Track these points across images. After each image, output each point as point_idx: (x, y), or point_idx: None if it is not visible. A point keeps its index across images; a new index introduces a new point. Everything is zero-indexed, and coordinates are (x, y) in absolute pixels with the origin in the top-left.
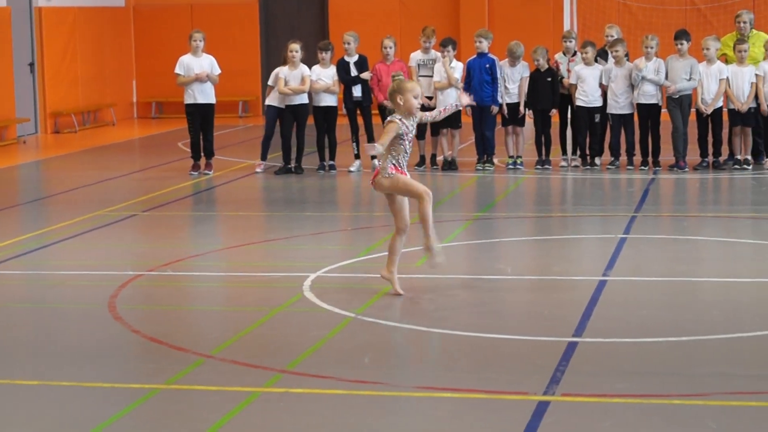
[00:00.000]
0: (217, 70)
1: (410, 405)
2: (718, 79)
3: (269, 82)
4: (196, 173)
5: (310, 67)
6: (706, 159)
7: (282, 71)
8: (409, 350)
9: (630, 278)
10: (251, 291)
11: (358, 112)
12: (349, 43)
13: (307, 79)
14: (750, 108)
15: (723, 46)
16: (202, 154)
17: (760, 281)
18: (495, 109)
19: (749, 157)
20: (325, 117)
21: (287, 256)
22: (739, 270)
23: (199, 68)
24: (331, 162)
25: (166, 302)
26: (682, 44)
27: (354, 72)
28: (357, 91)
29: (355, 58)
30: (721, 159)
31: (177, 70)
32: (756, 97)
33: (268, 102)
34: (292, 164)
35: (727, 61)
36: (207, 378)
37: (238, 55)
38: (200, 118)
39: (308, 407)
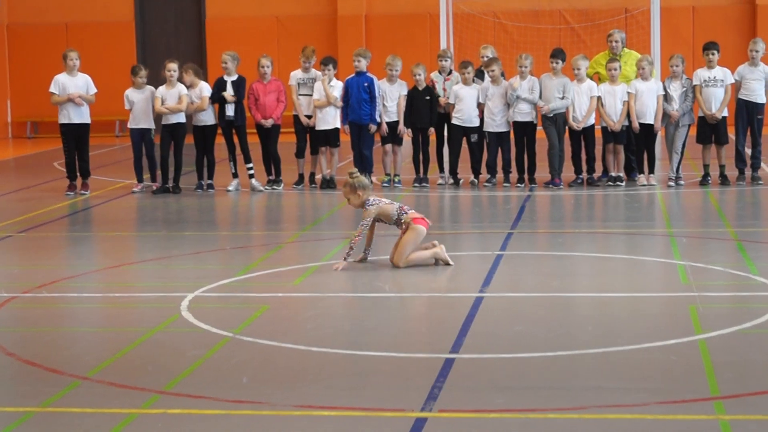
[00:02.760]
0: (93, 90)
1: (289, 424)
2: (589, 97)
3: (126, 107)
4: (72, 193)
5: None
6: (581, 176)
7: (159, 91)
8: (287, 369)
9: (506, 294)
10: (128, 312)
11: (234, 131)
12: (226, 63)
13: (184, 99)
14: (622, 126)
15: (595, 65)
16: (78, 174)
17: (633, 296)
18: (373, 127)
19: (622, 174)
20: (204, 136)
21: (165, 276)
22: (612, 285)
23: (74, 87)
24: (210, 181)
25: (41, 324)
26: (557, 63)
27: (231, 92)
28: (229, 110)
29: (234, 77)
30: (595, 176)
31: (51, 89)
32: (628, 114)
33: (129, 125)
34: (170, 184)
35: (600, 80)
36: (83, 400)
37: (114, 75)
38: (75, 137)
39: (186, 428)
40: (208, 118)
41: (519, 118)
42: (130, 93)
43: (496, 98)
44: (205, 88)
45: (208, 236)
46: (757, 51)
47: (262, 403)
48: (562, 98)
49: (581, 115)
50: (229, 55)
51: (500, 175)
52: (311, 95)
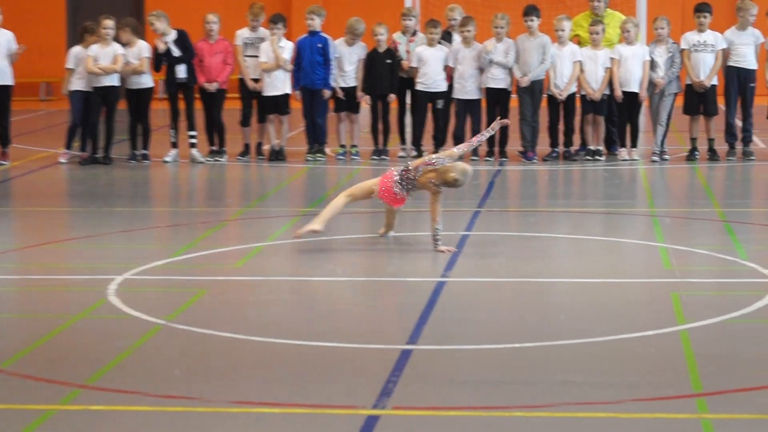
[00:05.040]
0: (15, 47)
1: (226, 422)
2: (571, 62)
3: (68, 65)
4: None
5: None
6: (557, 149)
7: (91, 49)
8: (225, 361)
9: (471, 279)
10: (48, 296)
11: (181, 95)
12: (153, 25)
13: (119, 59)
14: (603, 95)
15: (576, 27)
16: None
17: (611, 282)
18: (327, 93)
19: (602, 148)
20: (139, 100)
21: (91, 256)
22: (589, 269)
23: None
24: (145, 151)
25: None
26: (532, 20)
27: (175, 52)
28: (181, 71)
29: (173, 35)
30: (573, 149)
31: None
32: (610, 82)
33: (72, 87)
34: (100, 154)
35: (580, 44)
36: None
37: (40, 32)
38: None
39: (110, 426)
40: (145, 80)
41: (492, 85)
42: (79, 51)
43: (467, 62)
44: (144, 49)
45: (141, 213)
46: (746, 11)
47: (196, 399)
48: (542, 62)
49: (563, 83)
50: (154, 15)
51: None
52: (259, 57)
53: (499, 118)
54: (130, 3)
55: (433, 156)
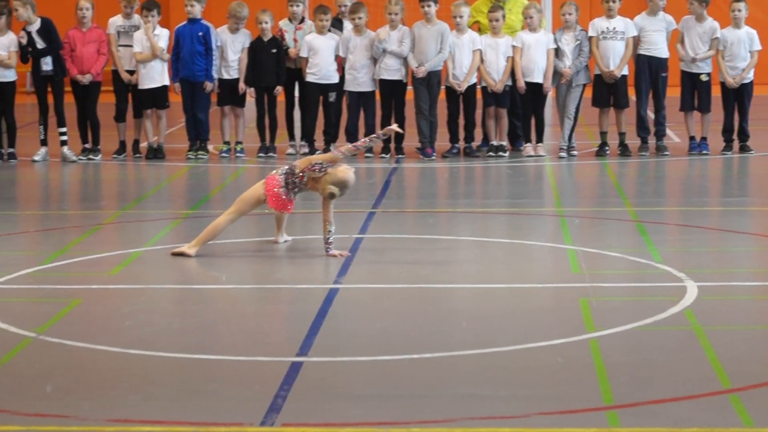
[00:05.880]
0: None
1: None
2: (471, 51)
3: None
4: None
5: None
6: (457, 145)
7: None
8: (101, 376)
9: (366, 286)
10: None
11: (49, 89)
12: (17, 10)
13: None
14: (506, 86)
15: (475, 13)
16: None
17: (515, 287)
18: (209, 85)
19: (505, 143)
20: (3, 94)
21: None
22: (492, 274)
23: None
24: (11, 150)
25: None
26: (429, 6)
27: (39, 43)
28: (47, 63)
29: (37, 24)
30: (474, 144)
31: None
32: (512, 73)
33: None
34: None
35: (480, 31)
36: None
37: None
38: None
39: None
40: (7, 73)
41: (386, 76)
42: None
43: (359, 51)
44: (14, 40)
45: (8, 216)
46: None
47: (70, 417)
48: (439, 52)
49: (462, 74)
50: (18, 1)
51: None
52: (133, 47)
53: (394, 122)
54: None
55: (315, 158)
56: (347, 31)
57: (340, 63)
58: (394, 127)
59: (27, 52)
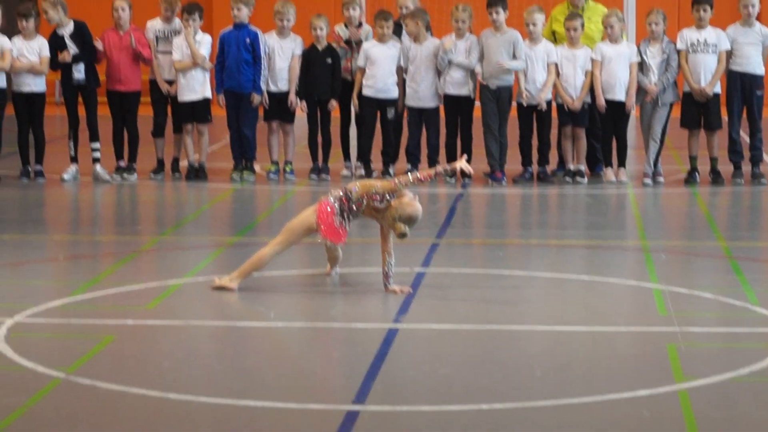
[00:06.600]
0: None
1: None
2: (545, 63)
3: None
4: None
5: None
6: (530, 169)
7: None
8: (135, 423)
9: (428, 326)
10: None
11: (80, 99)
12: (47, 13)
13: (7, 54)
14: (584, 104)
15: (551, 21)
16: None
17: (595, 330)
18: (257, 98)
19: (583, 167)
20: (30, 107)
21: None
22: (568, 315)
23: None
24: (38, 167)
25: None
26: (497, 13)
27: (72, 48)
28: (79, 71)
29: (69, 27)
30: (549, 169)
31: None
32: (591, 89)
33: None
34: None
35: (556, 41)
36: None
37: None
38: None
39: None
40: (37, 82)
41: (452, 91)
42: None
43: (420, 62)
44: (45, 45)
45: (34, 241)
46: (752, 6)
47: None
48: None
49: (536, 89)
50: (48, 1)
51: (425, 165)
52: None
53: (464, 157)
54: None
55: (373, 184)
56: (407, 40)
57: (400, 74)
58: (463, 163)
59: (58, 58)
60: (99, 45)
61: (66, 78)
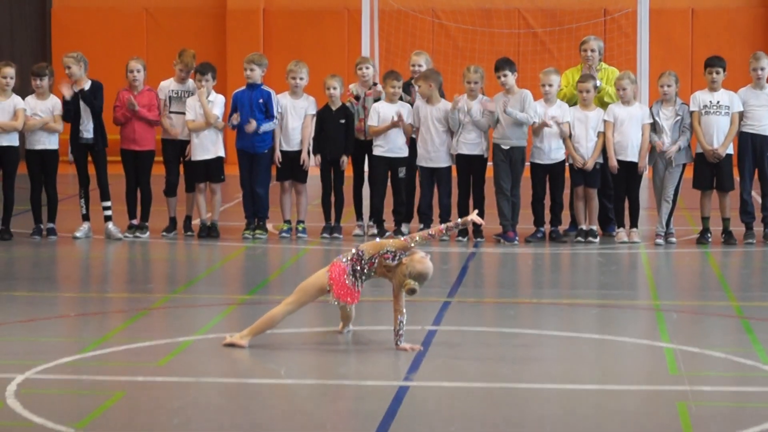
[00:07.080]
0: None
1: None
2: (557, 123)
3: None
4: None
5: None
6: (542, 229)
7: None
8: None
9: (439, 384)
10: None
11: (90, 158)
12: (70, 68)
13: (21, 113)
14: (596, 164)
15: (567, 83)
16: None
17: (605, 389)
18: (254, 123)
19: (595, 227)
20: (43, 164)
21: None
22: (579, 374)
23: None
24: (51, 225)
25: None
26: (505, 76)
27: (82, 106)
28: (87, 131)
29: (87, 85)
30: (561, 228)
31: None
32: (604, 150)
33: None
34: None
35: (568, 102)
36: None
37: None
38: None
39: None
40: (50, 140)
41: (465, 150)
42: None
43: (432, 123)
44: (58, 102)
45: (46, 299)
46: (762, 69)
47: None
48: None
49: (549, 149)
50: (72, 57)
51: (437, 224)
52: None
53: (475, 211)
54: (34, 47)
55: (385, 243)
56: (418, 100)
57: (409, 132)
58: (474, 216)
59: (71, 111)
60: (136, 106)
61: (74, 137)
